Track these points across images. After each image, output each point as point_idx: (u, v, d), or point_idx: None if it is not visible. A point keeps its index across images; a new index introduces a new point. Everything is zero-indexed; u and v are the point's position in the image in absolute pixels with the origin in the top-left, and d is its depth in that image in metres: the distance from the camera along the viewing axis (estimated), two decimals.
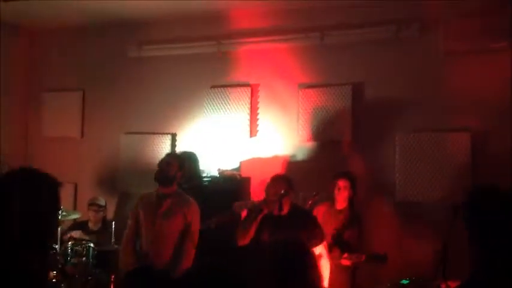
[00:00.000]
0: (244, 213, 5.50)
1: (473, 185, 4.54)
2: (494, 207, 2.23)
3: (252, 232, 4.14)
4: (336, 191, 4.83)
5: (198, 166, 5.51)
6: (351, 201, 4.86)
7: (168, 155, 4.82)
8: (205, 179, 5.61)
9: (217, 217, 5.02)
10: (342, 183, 4.84)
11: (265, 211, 4.16)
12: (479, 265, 2.19)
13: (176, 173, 4.52)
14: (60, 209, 2.21)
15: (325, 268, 4.20)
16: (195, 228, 4.50)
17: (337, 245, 4.53)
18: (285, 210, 4.18)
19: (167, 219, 4.41)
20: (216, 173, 5.74)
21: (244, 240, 4.19)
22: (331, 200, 4.88)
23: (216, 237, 4.78)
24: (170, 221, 4.41)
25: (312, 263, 2.25)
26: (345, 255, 4.45)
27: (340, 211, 4.83)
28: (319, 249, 4.19)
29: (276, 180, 4.32)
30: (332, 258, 4.39)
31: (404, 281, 4.22)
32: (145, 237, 4.52)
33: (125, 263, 4.59)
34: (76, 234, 5.55)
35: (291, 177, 4.46)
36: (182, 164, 4.62)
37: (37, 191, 2.12)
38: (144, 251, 4.53)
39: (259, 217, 4.15)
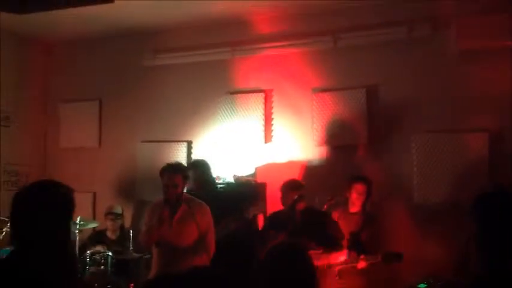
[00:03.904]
0: (260, 219, 5.52)
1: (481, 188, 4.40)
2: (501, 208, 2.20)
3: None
4: (355, 195, 4.82)
5: (209, 173, 5.41)
6: (364, 203, 4.84)
7: (170, 172, 4.39)
8: (219, 186, 5.58)
9: (231, 223, 4.99)
10: (361, 187, 4.83)
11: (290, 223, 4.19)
12: (486, 266, 2.17)
13: (183, 187, 4.42)
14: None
15: (338, 257, 4.24)
16: (210, 236, 4.40)
17: (354, 248, 4.50)
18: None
19: (183, 226, 4.34)
20: (231, 179, 5.74)
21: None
22: (344, 203, 4.87)
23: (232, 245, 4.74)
24: (186, 227, 4.34)
25: (306, 267, 2.24)
26: (362, 256, 4.43)
27: (354, 214, 4.82)
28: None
29: (291, 186, 4.36)
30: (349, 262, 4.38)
31: (422, 285, 4.17)
32: (162, 243, 4.44)
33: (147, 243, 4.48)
34: (98, 248, 5.58)
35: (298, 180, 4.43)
36: (186, 175, 4.49)
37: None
38: (161, 255, 4.47)
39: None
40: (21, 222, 2.30)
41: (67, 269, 2.34)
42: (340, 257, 4.26)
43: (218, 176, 5.69)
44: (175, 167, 4.46)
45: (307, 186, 4.76)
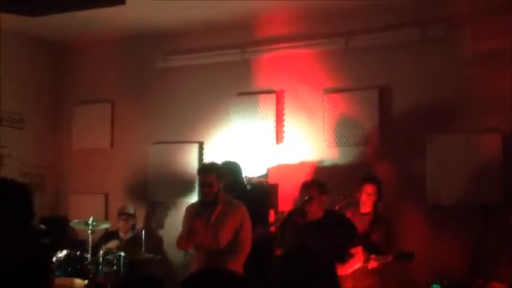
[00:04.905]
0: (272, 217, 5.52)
1: None
2: None
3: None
4: (364, 196, 4.82)
5: (239, 175, 5.42)
6: (375, 204, 4.83)
7: (205, 171, 4.50)
8: (248, 188, 5.55)
9: (258, 229, 4.98)
10: (370, 188, 4.82)
11: (295, 219, 4.15)
12: None
13: (219, 186, 4.44)
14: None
15: (353, 265, 4.24)
16: (246, 231, 4.44)
17: (365, 248, 4.48)
18: (318, 215, 4.16)
19: (219, 226, 4.37)
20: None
21: (278, 250, 4.18)
22: (356, 204, 4.86)
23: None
24: (222, 227, 4.38)
25: (329, 272, 2.22)
26: (372, 256, 4.42)
27: (365, 214, 4.81)
28: (355, 250, 4.24)
29: (304, 186, 4.33)
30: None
31: (435, 286, 4.15)
32: (199, 243, 4.47)
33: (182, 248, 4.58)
34: (111, 244, 5.61)
35: (321, 181, 4.43)
36: (221, 174, 4.53)
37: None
38: (199, 255, 4.51)
39: (287, 226, 4.12)
40: None
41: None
42: (347, 269, 4.23)
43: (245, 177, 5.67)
44: (209, 167, 4.56)
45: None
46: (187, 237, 4.39)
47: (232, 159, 5.55)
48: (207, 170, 4.48)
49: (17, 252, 2.21)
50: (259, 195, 5.46)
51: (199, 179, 4.50)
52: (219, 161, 5.35)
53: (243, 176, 5.47)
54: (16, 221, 2.27)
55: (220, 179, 4.48)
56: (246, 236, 4.44)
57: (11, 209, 2.27)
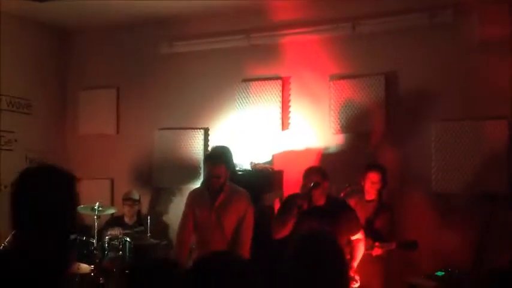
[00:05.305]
0: (277, 205, 5.52)
1: None
2: None
3: (290, 226, 4.11)
4: (369, 184, 4.82)
5: (231, 160, 5.46)
6: (380, 192, 4.83)
7: (213, 163, 4.41)
8: (239, 172, 5.59)
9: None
10: (374, 176, 4.82)
11: (299, 203, 4.14)
12: None
13: (226, 176, 4.43)
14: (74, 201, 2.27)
15: (360, 251, 4.29)
16: (249, 220, 4.44)
17: (369, 235, 4.50)
18: (321, 201, 4.17)
19: (222, 213, 4.39)
20: (248, 167, 5.75)
21: (281, 234, 4.17)
22: (361, 191, 4.86)
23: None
24: (225, 214, 4.39)
25: (338, 254, 2.22)
26: (376, 243, 4.43)
27: (370, 201, 4.81)
28: (357, 235, 4.28)
29: (308, 172, 4.32)
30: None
31: (440, 273, 4.16)
32: (201, 230, 4.50)
33: (178, 254, 4.55)
34: (115, 231, 5.64)
35: (323, 168, 4.45)
36: (228, 163, 4.53)
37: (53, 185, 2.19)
38: (201, 243, 4.52)
39: (295, 211, 4.12)
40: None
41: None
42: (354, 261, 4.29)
43: (236, 164, 5.66)
44: (217, 158, 4.46)
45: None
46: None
47: (223, 145, 5.49)
48: (215, 162, 4.40)
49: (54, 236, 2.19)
50: (250, 180, 5.43)
51: (207, 169, 4.45)
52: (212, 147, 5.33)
53: (233, 161, 5.41)
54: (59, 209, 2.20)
55: (229, 168, 4.46)
56: (249, 224, 4.45)
57: (56, 196, 2.15)
